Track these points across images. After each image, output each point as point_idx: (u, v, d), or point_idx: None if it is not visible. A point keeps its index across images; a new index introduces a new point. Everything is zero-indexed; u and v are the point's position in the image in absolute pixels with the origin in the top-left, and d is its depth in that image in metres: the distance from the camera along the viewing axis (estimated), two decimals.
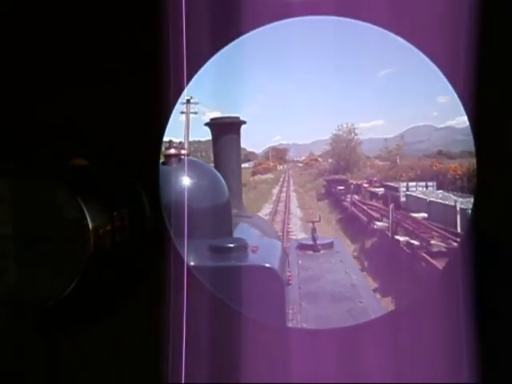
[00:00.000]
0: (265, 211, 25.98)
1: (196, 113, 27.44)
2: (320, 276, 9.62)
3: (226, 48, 1.40)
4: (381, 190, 27.83)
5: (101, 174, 1.31)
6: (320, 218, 14.08)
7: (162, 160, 3.38)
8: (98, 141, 1.34)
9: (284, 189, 42.12)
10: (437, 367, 1.30)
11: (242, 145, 8.34)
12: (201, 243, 3.02)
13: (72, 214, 1.16)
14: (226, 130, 7.80)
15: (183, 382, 1.35)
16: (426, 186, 26.16)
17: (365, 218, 21.30)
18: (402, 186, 25.60)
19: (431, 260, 13.39)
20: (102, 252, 1.20)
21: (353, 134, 50.51)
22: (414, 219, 18.08)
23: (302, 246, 13.21)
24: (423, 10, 1.28)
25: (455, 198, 19.93)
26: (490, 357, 1.25)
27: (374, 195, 28.40)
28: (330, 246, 13.47)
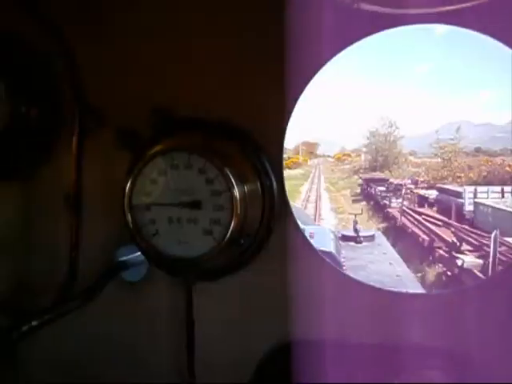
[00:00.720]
0: None
1: None
2: (364, 266, 9.80)
3: None
4: (432, 194, 22.74)
5: (239, 153, 1.53)
6: (362, 211, 14.18)
7: None
8: (238, 125, 1.56)
9: (314, 186, 39.13)
10: None
11: None
12: None
13: (221, 186, 1.38)
14: None
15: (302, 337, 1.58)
16: (502, 193, 19.11)
17: (425, 237, 15.18)
18: (469, 190, 18.75)
19: None
20: (241, 218, 1.42)
21: (394, 127, 46.59)
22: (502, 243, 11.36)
23: (345, 237, 13.49)
24: None
25: None
26: None
27: (422, 200, 22.99)
28: (371, 238, 13.65)
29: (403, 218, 18.03)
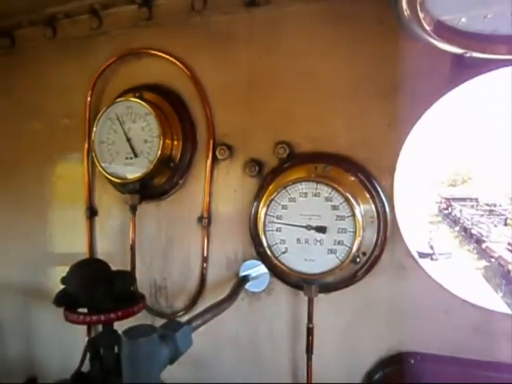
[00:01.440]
0: None
1: None
2: None
3: None
4: None
5: (356, 182, 1.75)
6: (438, 227, 13.77)
7: None
8: (355, 157, 1.79)
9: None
10: None
11: None
12: None
13: (345, 211, 1.60)
14: None
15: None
16: None
17: None
18: None
19: None
20: (362, 239, 1.63)
21: None
22: None
23: (420, 255, 13.07)
24: None
25: None
26: None
27: None
28: (448, 255, 13.14)
29: None
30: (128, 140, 2.02)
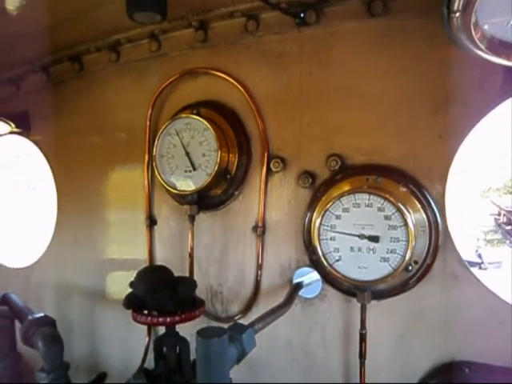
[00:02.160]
0: None
1: None
2: None
3: None
4: None
5: (408, 193, 1.80)
6: (486, 235, 13.22)
7: None
8: (406, 169, 1.86)
9: None
10: None
11: None
12: None
13: (397, 221, 1.66)
14: None
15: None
16: None
17: None
18: None
19: None
20: (414, 248, 1.68)
21: None
22: None
23: (468, 263, 12.65)
24: None
25: None
26: None
27: None
28: (498, 265, 12.63)
29: None
30: (187, 154, 2.16)
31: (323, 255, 1.80)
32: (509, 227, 21.27)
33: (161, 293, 1.81)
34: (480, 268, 12.33)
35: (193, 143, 2.16)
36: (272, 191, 2.16)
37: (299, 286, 2.02)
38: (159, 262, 2.50)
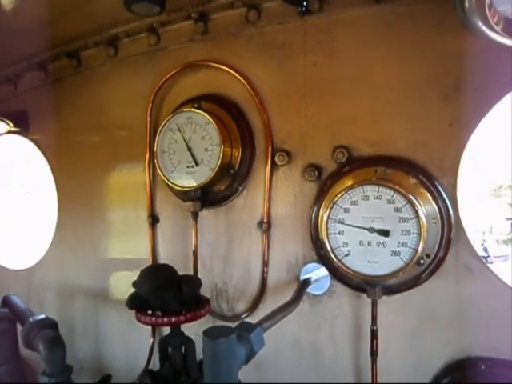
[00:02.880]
0: None
1: None
2: None
3: None
4: None
5: (418, 184, 1.74)
6: (491, 228, 13.13)
7: None
8: (415, 160, 1.79)
9: None
10: None
11: None
12: None
13: (408, 213, 1.60)
14: None
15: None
16: None
17: None
18: None
19: None
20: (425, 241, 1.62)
21: None
22: None
23: None
24: None
25: None
26: None
27: None
28: (505, 258, 12.57)
29: None
30: (189, 149, 2.11)
31: (332, 250, 1.74)
32: None
33: (165, 292, 1.76)
34: (486, 262, 12.24)
35: (195, 138, 2.11)
36: (277, 185, 2.10)
37: (307, 282, 1.96)
38: (162, 260, 2.45)
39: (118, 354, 2.71)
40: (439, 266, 1.78)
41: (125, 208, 2.63)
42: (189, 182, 2.11)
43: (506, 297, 1.73)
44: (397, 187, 1.62)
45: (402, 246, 1.63)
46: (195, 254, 2.20)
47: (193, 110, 2.11)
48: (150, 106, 2.38)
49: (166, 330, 1.81)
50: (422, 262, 1.71)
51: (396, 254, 1.64)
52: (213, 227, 2.27)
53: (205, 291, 2.25)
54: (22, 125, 2.96)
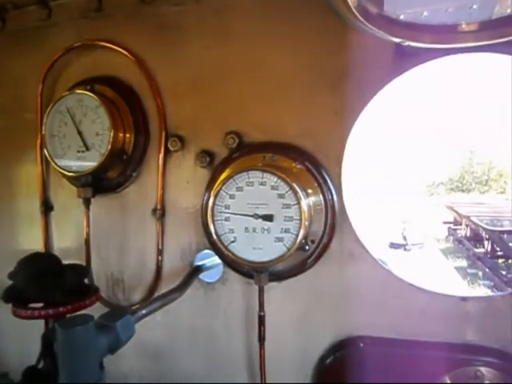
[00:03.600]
0: None
1: None
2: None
3: None
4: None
5: (304, 171, 1.77)
6: (410, 218, 13.97)
7: None
8: (303, 147, 1.81)
9: None
10: None
11: None
12: None
13: (291, 200, 1.62)
14: None
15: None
16: None
17: None
18: None
19: None
20: (307, 228, 1.66)
21: None
22: None
23: (393, 245, 13.40)
24: None
25: None
26: None
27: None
28: (421, 246, 13.43)
29: None
30: (79, 133, 2.00)
31: (218, 237, 1.73)
32: (479, 249, 14.72)
33: (43, 281, 1.66)
34: (405, 249, 13.03)
35: (85, 121, 2.00)
36: (171, 172, 2.05)
37: (198, 269, 1.95)
38: (56, 250, 2.32)
39: (14, 351, 2.54)
40: (324, 252, 1.84)
41: (20, 197, 2.45)
42: (79, 166, 2.01)
43: (383, 279, 1.82)
44: (279, 173, 1.63)
45: (285, 232, 1.65)
46: (87, 242, 2.10)
47: (83, 92, 2.00)
48: (41, 86, 2.23)
49: None
50: (307, 247, 1.75)
51: (279, 240, 1.66)
52: (108, 215, 2.18)
53: (100, 281, 2.19)
54: None
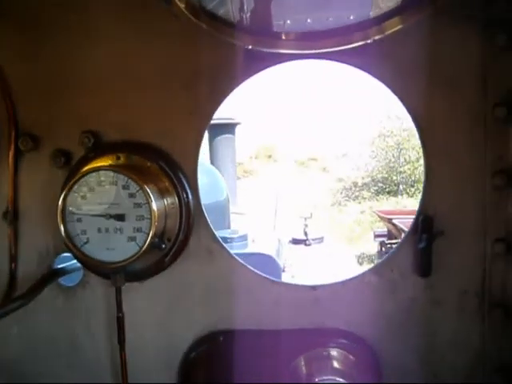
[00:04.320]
0: None
1: None
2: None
3: None
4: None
5: (159, 171, 1.79)
6: (311, 215, 14.68)
7: None
8: (158, 147, 1.83)
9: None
10: None
11: None
12: None
13: (142, 199, 1.63)
14: (222, 130, 8.37)
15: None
16: None
17: None
18: None
19: None
20: (160, 226, 1.68)
21: None
22: None
23: (295, 241, 14.00)
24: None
25: None
26: None
27: None
28: (320, 240, 14.17)
29: None
30: None
31: (70, 239, 1.68)
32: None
33: None
34: (305, 244, 13.71)
35: None
36: (24, 173, 1.94)
37: (55, 273, 1.87)
38: None
39: None
40: (182, 250, 1.87)
41: None
42: None
43: (240, 274, 1.91)
44: (129, 173, 1.62)
45: (138, 231, 1.65)
46: None
47: None
48: None
49: None
50: (163, 246, 1.76)
51: (132, 239, 1.65)
52: None
53: None
54: None
